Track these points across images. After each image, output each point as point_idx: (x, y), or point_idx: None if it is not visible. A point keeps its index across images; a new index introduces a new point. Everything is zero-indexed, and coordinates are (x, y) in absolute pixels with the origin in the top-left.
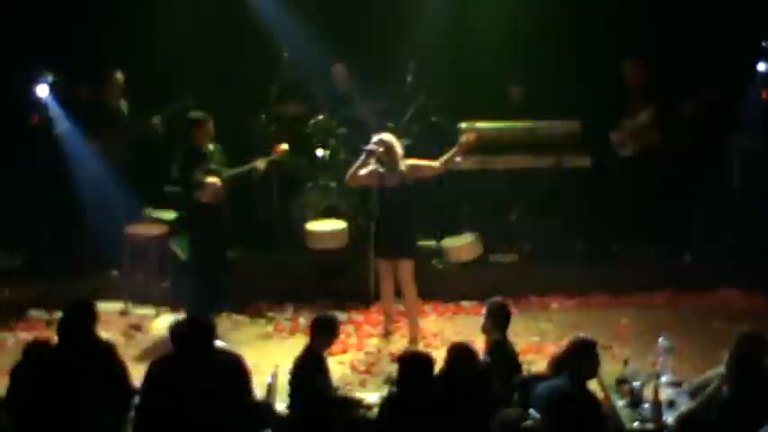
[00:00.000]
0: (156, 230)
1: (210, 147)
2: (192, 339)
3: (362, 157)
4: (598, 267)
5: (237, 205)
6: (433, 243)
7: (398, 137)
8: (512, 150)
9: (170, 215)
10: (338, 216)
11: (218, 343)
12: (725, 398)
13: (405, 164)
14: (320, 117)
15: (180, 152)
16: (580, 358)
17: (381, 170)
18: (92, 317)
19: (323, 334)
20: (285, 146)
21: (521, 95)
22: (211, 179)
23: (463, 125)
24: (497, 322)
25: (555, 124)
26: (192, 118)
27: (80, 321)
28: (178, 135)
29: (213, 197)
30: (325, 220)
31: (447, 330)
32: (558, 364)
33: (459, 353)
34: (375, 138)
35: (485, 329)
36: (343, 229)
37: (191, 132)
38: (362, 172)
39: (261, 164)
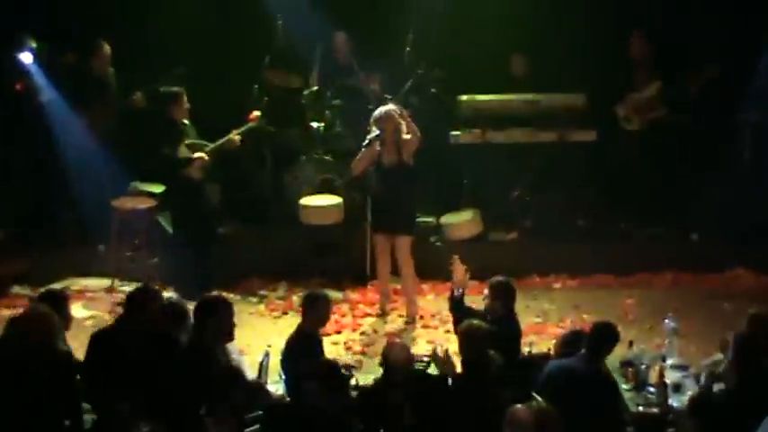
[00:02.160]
0: (143, 204)
1: (185, 121)
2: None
3: (368, 146)
4: (602, 246)
5: (229, 178)
6: (431, 220)
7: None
8: (514, 124)
9: (158, 188)
10: (333, 191)
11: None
12: (734, 380)
13: (406, 139)
14: (315, 88)
15: (161, 127)
16: (602, 342)
17: (379, 148)
18: (50, 327)
19: (314, 313)
20: (257, 113)
21: (523, 67)
22: (198, 154)
23: (463, 98)
24: (502, 298)
25: (558, 97)
26: (170, 93)
27: (40, 331)
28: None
29: (201, 172)
30: (320, 194)
31: (445, 310)
32: (570, 345)
33: (473, 334)
34: (378, 111)
35: (489, 308)
36: (339, 204)
37: (169, 107)
38: (369, 159)
39: (234, 135)
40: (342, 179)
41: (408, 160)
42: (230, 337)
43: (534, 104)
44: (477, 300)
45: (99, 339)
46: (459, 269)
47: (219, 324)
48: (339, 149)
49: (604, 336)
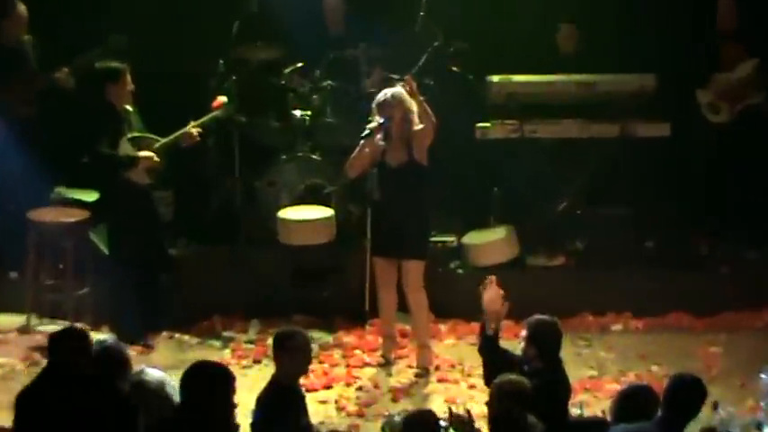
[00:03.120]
0: (70, 217)
1: (128, 108)
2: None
3: (366, 139)
4: (677, 275)
5: (184, 184)
6: (451, 239)
7: (410, 93)
8: (561, 114)
9: (90, 196)
10: (322, 200)
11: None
12: None
13: (418, 130)
14: (299, 65)
15: (94, 116)
16: (685, 402)
17: (382, 143)
18: None
19: (288, 357)
20: (223, 98)
21: (573, 40)
22: (145, 153)
23: (494, 79)
24: (543, 344)
25: (621, 79)
26: (107, 69)
27: None
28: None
29: (149, 176)
30: (305, 206)
31: (468, 359)
32: (633, 406)
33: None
34: (382, 94)
35: (527, 356)
36: (329, 219)
37: (104, 89)
38: (366, 156)
39: (192, 128)
40: (333, 185)
41: (421, 159)
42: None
43: (588, 88)
44: (512, 345)
45: (26, 402)
46: (493, 295)
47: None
48: (330, 145)
49: (688, 392)
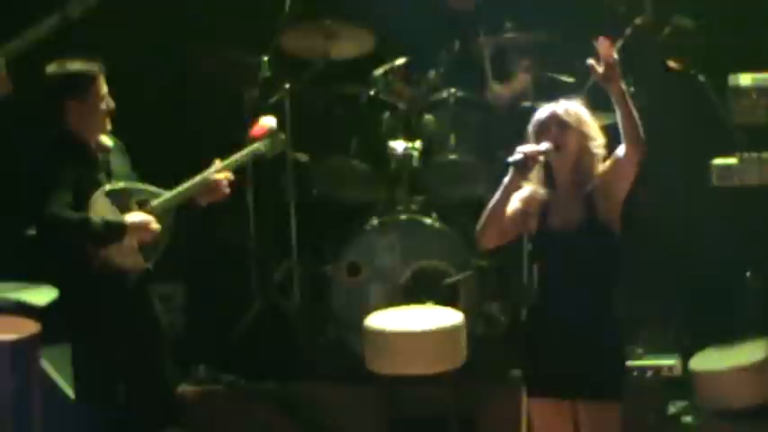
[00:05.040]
0: (11, 332)
1: (104, 139)
2: None
3: (507, 181)
4: None
5: (204, 272)
6: (671, 363)
7: (590, 109)
8: None
9: (41, 296)
10: (442, 297)
11: None
12: None
13: (607, 171)
14: (398, 62)
15: (45, 153)
16: None
17: (542, 192)
18: None
19: None
20: (269, 121)
21: None
22: (137, 217)
23: (745, 81)
24: None
25: None
26: (64, 77)
27: None
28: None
29: (143, 257)
30: (412, 307)
31: None
32: None
33: None
34: (543, 111)
35: None
36: (456, 330)
37: (61, 109)
38: (510, 214)
39: (218, 173)
40: (460, 270)
41: (611, 217)
42: None
43: None
44: None
45: None
46: None
47: None
48: (455, 201)
49: None
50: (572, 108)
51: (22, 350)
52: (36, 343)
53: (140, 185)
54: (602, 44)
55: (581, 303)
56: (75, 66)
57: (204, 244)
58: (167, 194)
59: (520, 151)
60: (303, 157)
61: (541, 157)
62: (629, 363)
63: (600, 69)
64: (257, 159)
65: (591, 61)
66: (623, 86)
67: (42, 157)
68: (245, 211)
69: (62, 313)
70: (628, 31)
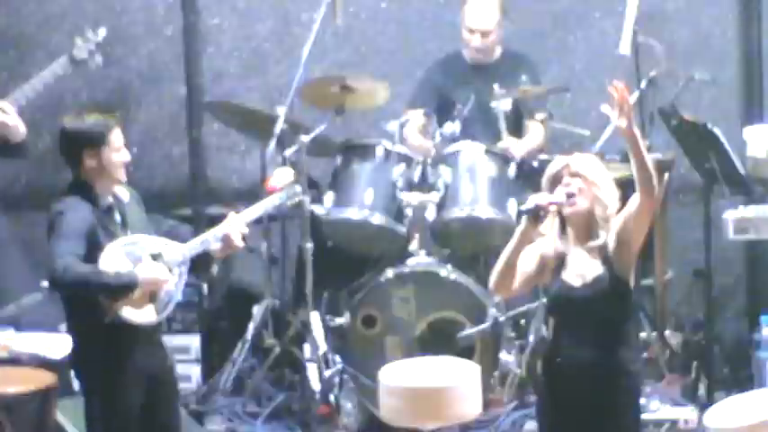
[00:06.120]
0: (28, 384)
1: (120, 190)
2: None
3: (520, 231)
4: None
5: (219, 326)
6: (688, 416)
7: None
8: None
9: (59, 348)
10: (458, 350)
11: None
12: None
13: (614, 224)
14: (412, 115)
15: (62, 202)
16: None
17: (557, 243)
18: None
19: None
20: (286, 174)
21: None
22: (149, 268)
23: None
24: None
25: None
26: (79, 126)
27: None
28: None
29: (151, 312)
30: (427, 359)
31: None
32: None
33: None
34: (551, 168)
35: None
36: (472, 382)
37: (78, 158)
38: (524, 265)
39: (234, 227)
40: (475, 321)
41: (624, 269)
42: None
43: None
44: None
45: None
46: None
47: None
48: (468, 250)
49: None
50: (585, 159)
51: (39, 402)
52: (52, 395)
53: (155, 238)
54: (617, 88)
55: (595, 358)
56: (92, 118)
57: (219, 298)
58: (182, 247)
59: (532, 200)
60: (319, 210)
61: (554, 207)
62: (645, 415)
63: (615, 114)
64: (273, 211)
65: (605, 106)
66: (637, 132)
67: (57, 208)
68: (262, 262)
69: (76, 364)
70: (643, 83)
